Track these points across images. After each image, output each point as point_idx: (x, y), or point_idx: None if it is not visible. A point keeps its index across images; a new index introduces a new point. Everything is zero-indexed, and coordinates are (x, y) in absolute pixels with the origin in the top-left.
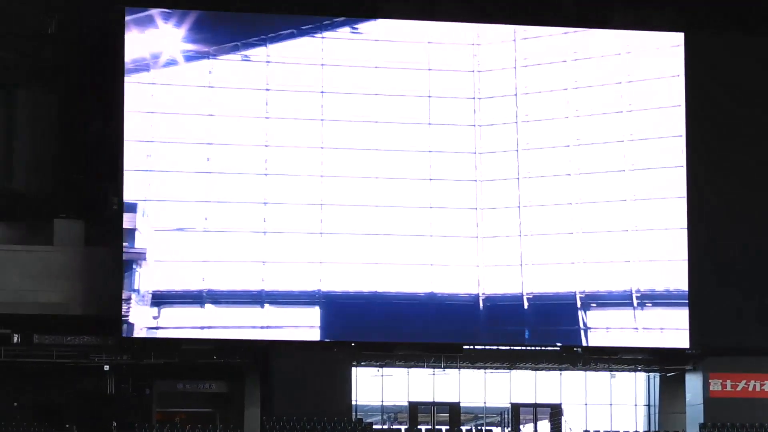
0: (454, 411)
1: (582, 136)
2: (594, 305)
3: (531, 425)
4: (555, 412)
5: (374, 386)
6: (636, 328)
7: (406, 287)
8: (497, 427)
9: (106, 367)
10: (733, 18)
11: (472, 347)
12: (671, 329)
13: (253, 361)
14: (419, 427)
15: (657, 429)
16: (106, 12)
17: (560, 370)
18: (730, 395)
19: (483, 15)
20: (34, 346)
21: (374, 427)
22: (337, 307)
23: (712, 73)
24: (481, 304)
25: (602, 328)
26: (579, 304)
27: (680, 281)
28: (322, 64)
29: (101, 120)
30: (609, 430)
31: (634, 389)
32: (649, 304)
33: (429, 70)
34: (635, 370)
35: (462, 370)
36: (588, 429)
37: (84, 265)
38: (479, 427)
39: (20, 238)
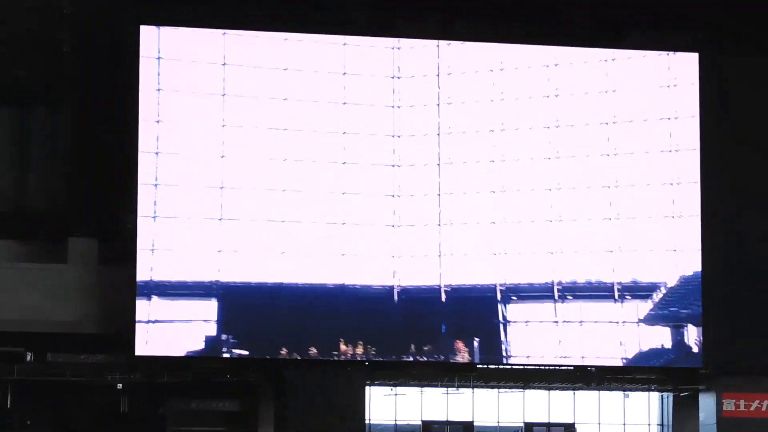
0: (467, 430)
1: (507, 121)
2: (515, 298)
3: None
4: (568, 430)
5: (388, 405)
6: (556, 322)
7: (315, 278)
8: None
9: (120, 386)
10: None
11: (486, 366)
12: (591, 322)
13: (266, 379)
14: None
15: None
16: (121, 30)
17: (574, 389)
18: (743, 415)
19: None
20: (48, 365)
21: None
22: (237, 300)
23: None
24: (396, 297)
25: (522, 322)
26: (499, 296)
27: (604, 273)
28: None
29: (116, 138)
30: None
31: (647, 409)
32: (570, 297)
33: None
34: (648, 390)
35: (476, 389)
36: None
37: (98, 283)
38: None
39: (34, 257)
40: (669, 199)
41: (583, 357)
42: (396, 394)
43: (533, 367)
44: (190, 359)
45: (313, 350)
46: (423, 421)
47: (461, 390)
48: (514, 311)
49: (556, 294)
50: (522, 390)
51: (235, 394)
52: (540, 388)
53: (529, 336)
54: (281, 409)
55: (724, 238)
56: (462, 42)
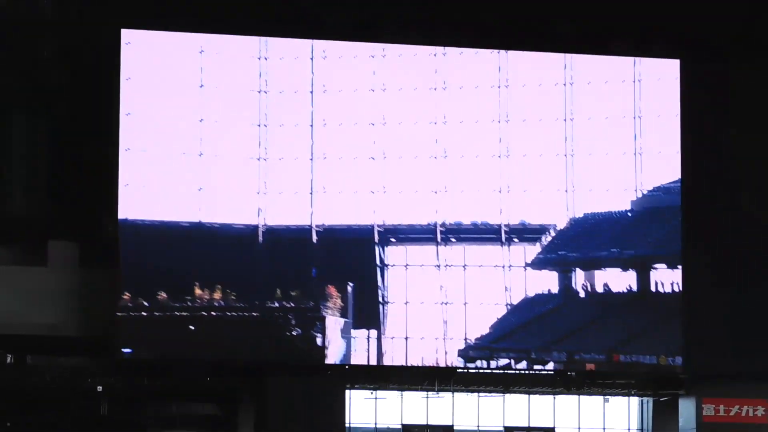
0: None
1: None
2: (394, 240)
3: None
4: None
5: (368, 409)
6: (438, 266)
7: (167, 215)
8: None
9: (100, 389)
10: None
11: (465, 370)
12: (475, 266)
13: (247, 383)
14: None
15: None
16: (102, 35)
17: (554, 394)
18: (723, 420)
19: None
20: (28, 368)
21: None
22: None
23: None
24: (260, 237)
25: (401, 266)
26: (377, 238)
27: (491, 214)
28: None
29: (97, 143)
30: None
31: (627, 414)
32: (454, 239)
33: None
34: (629, 395)
35: (455, 393)
36: None
37: (78, 286)
38: None
39: (14, 260)
40: (560, 136)
41: (465, 303)
42: (376, 398)
43: (514, 371)
44: (171, 362)
45: (163, 295)
46: (403, 425)
47: (441, 394)
48: (392, 254)
49: (439, 236)
50: (502, 394)
51: (215, 398)
52: (520, 392)
53: (409, 280)
54: (261, 413)
55: (705, 241)
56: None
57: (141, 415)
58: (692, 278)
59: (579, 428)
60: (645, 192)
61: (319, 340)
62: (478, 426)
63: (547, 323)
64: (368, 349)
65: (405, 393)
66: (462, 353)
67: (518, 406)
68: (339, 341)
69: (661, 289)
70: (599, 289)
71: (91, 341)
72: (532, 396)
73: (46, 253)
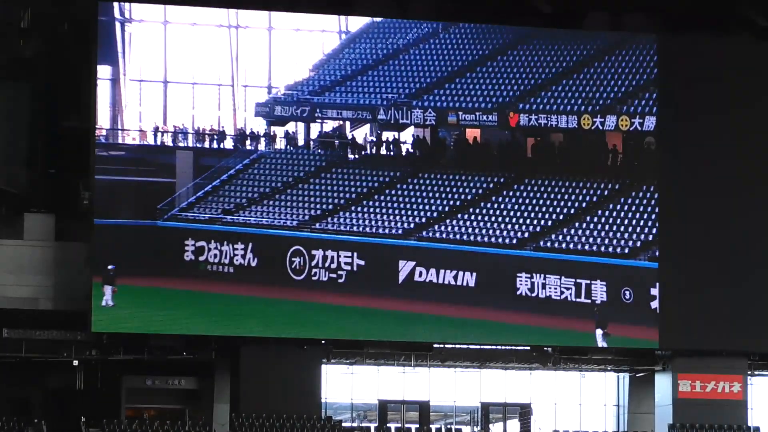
0: (423, 409)
1: None
2: None
3: (500, 424)
4: (524, 412)
5: (344, 384)
6: None
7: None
8: (467, 426)
9: (75, 363)
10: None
11: (442, 346)
12: None
13: (223, 357)
14: (389, 425)
15: (626, 429)
16: (79, 5)
17: (530, 369)
18: (699, 396)
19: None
20: (3, 341)
21: (344, 425)
22: None
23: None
24: None
25: None
26: None
27: None
28: None
29: (74, 114)
30: (578, 429)
31: (603, 389)
32: None
33: None
34: (605, 371)
35: (432, 368)
36: (557, 429)
37: (54, 260)
38: (449, 426)
39: None
40: None
41: None
42: (352, 373)
43: (490, 347)
44: (147, 336)
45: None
46: (379, 400)
47: (417, 369)
48: None
49: None
50: (478, 370)
51: (191, 372)
52: (496, 368)
53: None
54: (237, 387)
55: (682, 229)
56: None
57: (117, 389)
58: (668, 255)
59: (555, 404)
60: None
61: None
62: (455, 401)
63: None
64: None
65: (381, 368)
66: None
67: (494, 382)
68: None
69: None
70: None
71: (66, 314)
72: (508, 372)
73: (23, 226)
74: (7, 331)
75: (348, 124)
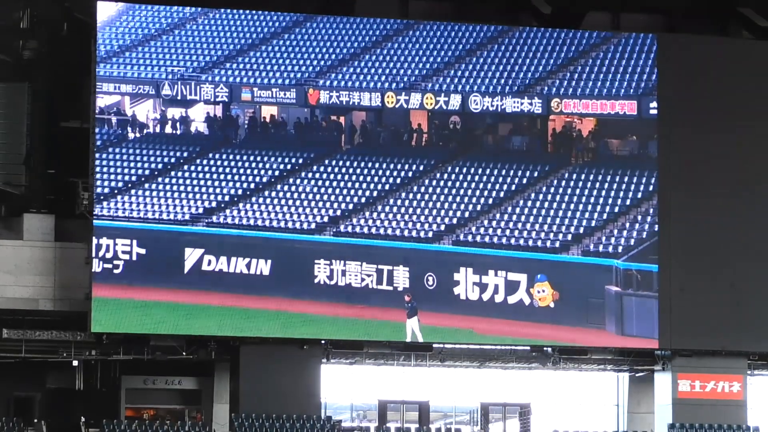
0: (423, 410)
1: None
2: None
3: (500, 424)
4: (524, 412)
5: (344, 384)
6: None
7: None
8: (466, 426)
9: (75, 363)
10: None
11: (442, 346)
12: None
13: (222, 358)
14: (388, 425)
15: (626, 429)
16: (79, 5)
17: (530, 369)
18: (699, 396)
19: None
20: (3, 341)
21: (343, 425)
22: None
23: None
24: None
25: None
26: None
27: None
28: None
29: (74, 115)
30: (578, 429)
31: (603, 389)
32: None
33: None
34: (604, 370)
35: (432, 368)
36: (557, 429)
37: (54, 260)
38: (448, 426)
39: None
40: None
41: None
42: (352, 374)
43: (490, 346)
44: (147, 336)
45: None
46: (379, 400)
47: (417, 369)
48: None
49: None
50: (478, 369)
51: (191, 372)
52: (496, 367)
53: None
54: (237, 387)
55: (682, 227)
56: None
57: (116, 389)
58: (668, 255)
59: (555, 404)
60: None
61: None
62: (454, 401)
63: None
64: None
65: (381, 368)
66: None
67: (494, 382)
68: None
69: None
70: None
71: (66, 315)
72: (507, 371)
73: (22, 226)
74: (7, 331)
75: (128, 99)
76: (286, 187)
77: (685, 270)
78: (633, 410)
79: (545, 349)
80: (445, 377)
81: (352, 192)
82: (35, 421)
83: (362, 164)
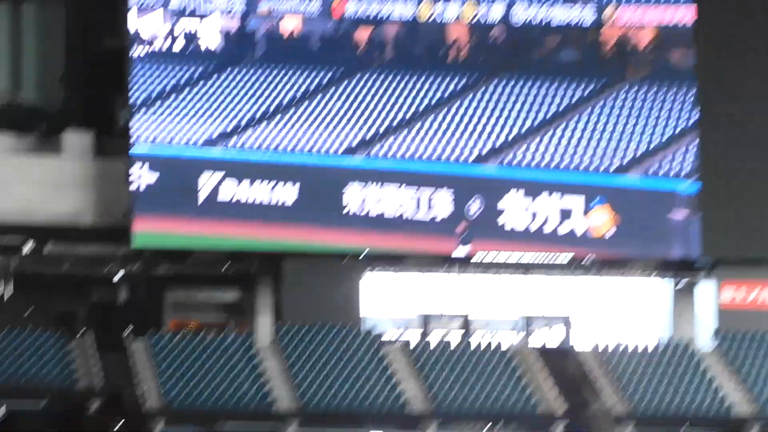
0: (465, 321)
1: None
2: None
3: (541, 336)
4: (566, 322)
5: (385, 296)
6: None
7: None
8: (507, 336)
9: (118, 276)
10: None
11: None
12: None
13: (265, 270)
14: (428, 339)
15: (667, 340)
16: None
17: (572, 275)
18: (742, 305)
19: None
20: (45, 256)
21: (384, 338)
22: None
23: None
24: None
25: None
26: None
27: None
28: None
29: (110, 31)
30: (619, 342)
31: (646, 298)
32: None
33: None
34: (648, 276)
35: (474, 280)
36: (599, 338)
37: (94, 175)
38: (490, 339)
39: (29, 149)
40: None
41: None
42: (394, 286)
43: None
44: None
45: None
46: (420, 315)
47: (459, 280)
48: None
49: None
50: (521, 278)
51: (234, 285)
52: (539, 275)
53: None
54: (279, 299)
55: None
56: None
57: (160, 302)
58: (710, 161)
59: (597, 314)
60: None
61: None
62: (496, 312)
63: None
64: None
65: (423, 281)
66: None
67: (536, 293)
68: None
69: None
70: None
71: (108, 229)
72: (550, 282)
73: (61, 143)
74: (49, 246)
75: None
76: (312, 106)
77: (725, 183)
78: (676, 319)
79: (586, 258)
80: (487, 289)
81: (386, 111)
82: (80, 333)
83: (394, 83)
